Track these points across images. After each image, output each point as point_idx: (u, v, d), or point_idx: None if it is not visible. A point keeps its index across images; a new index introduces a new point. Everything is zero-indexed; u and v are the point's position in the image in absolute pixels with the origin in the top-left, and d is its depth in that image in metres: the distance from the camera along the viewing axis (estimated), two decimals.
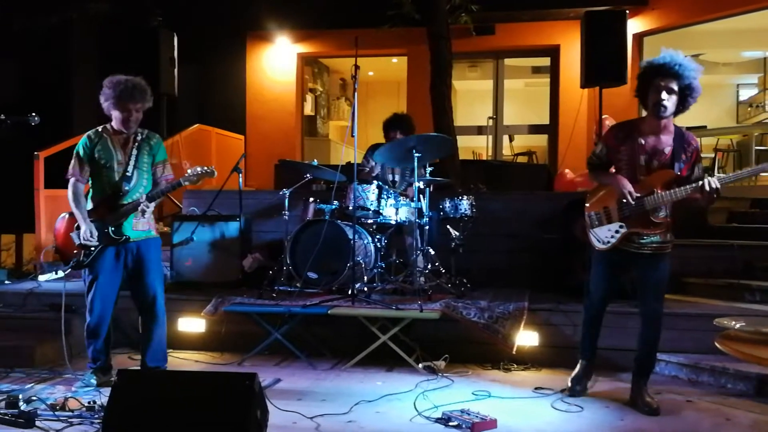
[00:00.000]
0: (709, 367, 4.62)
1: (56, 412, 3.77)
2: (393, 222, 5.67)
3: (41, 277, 6.51)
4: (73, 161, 4.40)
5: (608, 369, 4.79)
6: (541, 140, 12.19)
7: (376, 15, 9.23)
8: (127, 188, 4.32)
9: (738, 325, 3.42)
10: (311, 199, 6.08)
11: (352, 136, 5.14)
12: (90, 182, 4.42)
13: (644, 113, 4.04)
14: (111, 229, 4.30)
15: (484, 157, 12.18)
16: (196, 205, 6.88)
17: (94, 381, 4.37)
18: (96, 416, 3.69)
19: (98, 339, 4.43)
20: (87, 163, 4.37)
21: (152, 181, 4.45)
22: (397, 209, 5.62)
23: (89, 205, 4.38)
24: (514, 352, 4.85)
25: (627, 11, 7.97)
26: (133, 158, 4.35)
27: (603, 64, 7.47)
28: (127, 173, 4.33)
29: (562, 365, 4.89)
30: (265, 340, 5.13)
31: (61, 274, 6.56)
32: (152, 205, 4.32)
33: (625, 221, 3.94)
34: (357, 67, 5.22)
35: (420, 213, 5.56)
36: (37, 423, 3.64)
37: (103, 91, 4.33)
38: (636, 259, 4.00)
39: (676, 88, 3.77)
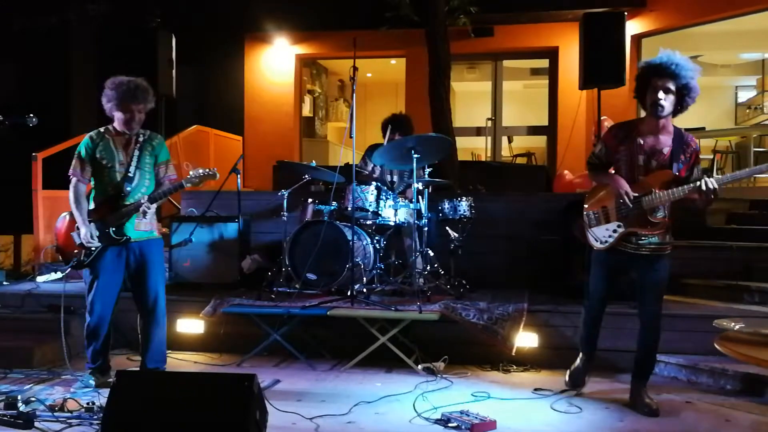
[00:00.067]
0: (709, 368, 4.62)
1: (55, 413, 3.76)
2: (392, 223, 5.66)
3: (39, 278, 6.51)
4: (74, 162, 4.40)
5: (607, 370, 4.80)
6: (540, 141, 12.20)
7: (375, 16, 9.24)
8: (128, 189, 4.31)
9: (737, 327, 3.42)
10: (310, 200, 6.08)
11: (351, 137, 5.13)
12: (92, 183, 4.42)
13: (643, 114, 4.04)
14: (112, 229, 4.30)
15: (483, 159, 12.19)
16: (194, 206, 6.88)
17: (92, 382, 4.37)
18: (95, 417, 3.69)
19: (98, 339, 4.42)
20: (88, 164, 4.37)
21: (155, 182, 4.45)
22: (396, 210, 5.62)
23: (91, 205, 4.38)
24: (513, 353, 4.85)
25: (625, 13, 7.98)
26: (135, 159, 4.35)
27: (601, 66, 7.47)
28: (129, 174, 4.32)
29: (562, 366, 4.87)
30: (264, 341, 5.12)
31: (59, 274, 6.56)
32: (153, 206, 4.32)
33: (623, 221, 3.95)
34: (355, 69, 5.22)
35: (419, 214, 5.56)
36: (36, 424, 3.63)
37: (105, 92, 4.33)
38: (635, 260, 4.00)
39: (673, 87, 3.78)
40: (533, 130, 12.11)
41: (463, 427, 3.65)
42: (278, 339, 5.08)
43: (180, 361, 5.14)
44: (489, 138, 11.72)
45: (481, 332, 4.87)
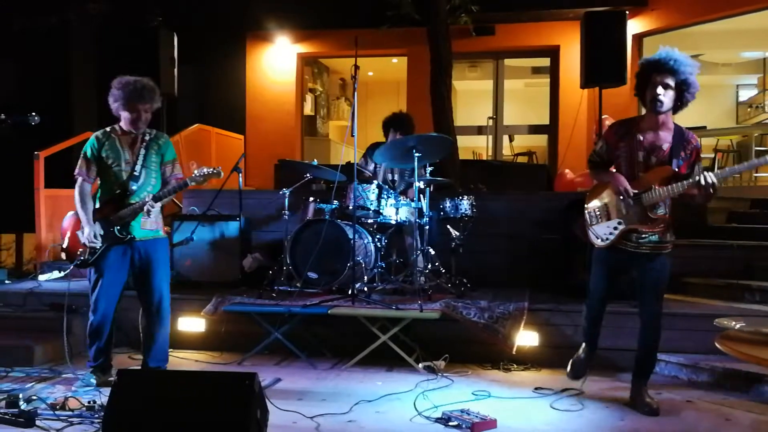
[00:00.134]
0: (709, 367, 4.62)
1: (56, 412, 3.77)
2: (393, 222, 5.67)
3: (41, 277, 6.52)
4: (80, 161, 4.42)
5: (608, 369, 4.80)
6: (541, 140, 12.19)
7: (376, 15, 9.23)
8: (134, 187, 4.32)
9: (738, 326, 3.42)
10: (311, 199, 6.08)
11: (352, 135, 5.14)
12: (99, 182, 4.44)
13: (644, 112, 4.05)
14: (117, 228, 4.31)
15: (484, 157, 12.18)
16: (195, 205, 6.89)
17: (93, 380, 4.38)
18: (96, 416, 3.70)
19: (101, 338, 4.43)
20: (94, 164, 4.39)
21: (162, 181, 4.46)
22: (397, 209, 5.62)
23: (97, 204, 4.40)
24: (514, 352, 4.85)
25: (627, 12, 7.97)
26: (141, 158, 4.36)
27: (603, 65, 7.46)
28: (135, 172, 4.33)
29: (562, 365, 4.86)
30: (265, 339, 5.13)
31: (61, 273, 6.57)
32: (158, 204, 4.32)
33: (623, 218, 3.95)
34: (357, 68, 5.22)
35: (420, 213, 5.56)
36: (38, 422, 3.64)
37: (111, 92, 4.34)
38: (635, 258, 4.00)
39: (672, 83, 3.79)
40: (534, 129, 12.10)
41: (463, 425, 3.66)
42: (279, 337, 5.08)
43: (181, 360, 5.15)
44: (490, 137, 11.72)
45: (482, 331, 4.87)
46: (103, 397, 3.84)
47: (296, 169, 6.28)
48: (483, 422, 3.66)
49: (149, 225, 4.40)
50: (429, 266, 5.62)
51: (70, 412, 3.78)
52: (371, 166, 6.22)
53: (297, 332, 5.20)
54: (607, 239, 4.01)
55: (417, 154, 5.24)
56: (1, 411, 3.70)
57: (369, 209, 5.51)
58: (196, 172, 4.31)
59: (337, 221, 5.60)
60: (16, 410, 3.71)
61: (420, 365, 4.85)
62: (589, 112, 10.07)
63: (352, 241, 5.25)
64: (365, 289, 5.42)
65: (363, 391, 4.39)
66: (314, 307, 5.03)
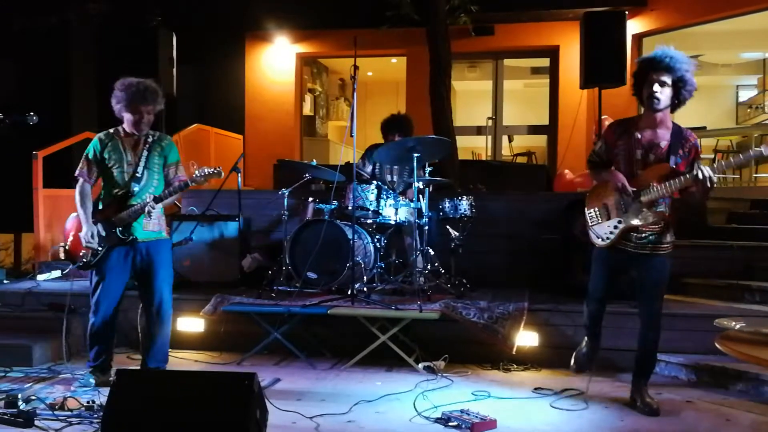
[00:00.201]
0: (709, 367, 4.62)
1: (55, 412, 3.77)
2: (392, 222, 5.66)
3: (40, 277, 6.51)
4: (81, 162, 4.43)
5: (608, 369, 4.80)
6: (540, 141, 12.20)
7: (375, 15, 9.23)
8: (136, 189, 4.32)
9: (738, 326, 3.41)
10: (310, 199, 6.08)
11: (351, 136, 5.13)
12: (102, 183, 4.44)
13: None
14: (119, 229, 4.30)
15: (484, 158, 12.19)
16: (195, 205, 6.88)
17: (92, 380, 4.37)
18: (95, 416, 3.69)
19: (102, 340, 4.42)
20: (95, 165, 4.40)
21: (165, 183, 4.45)
22: (396, 209, 5.62)
23: (100, 206, 4.39)
24: (513, 353, 4.84)
25: (626, 12, 7.97)
26: (143, 159, 4.36)
27: (602, 65, 7.46)
28: (137, 174, 4.33)
29: (562, 365, 4.88)
30: (265, 339, 5.12)
31: (59, 273, 6.56)
32: (159, 206, 4.31)
33: (623, 217, 3.95)
34: (356, 68, 5.22)
35: (419, 213, 5.56)
36: (36, 422, 3.64)
37: (114, 94, 4.34)
38: (635, 258, 4.00)
39: (668, 81, 3.80)
40: (534, 130, 12.11)
41: (463, 426, 3.65)
42: (278, 338, 5.08)
43: (180, 360, 5.14)
44: (489, 137, 11.72)
45: (482, 331, 4.87)
46: (102, 397, 3.83)
47: (295, 170, 6.28)
48: (483, 422, 3.66)
49: (151, 226, 4.39)
50: (428, 266, 5.62)
51: (69, 412, 3.77)
52: (368, 168, 6.21)
53: (296, 332, 5.20)
54: (607, 239, 4.01)
55: (416, 155, 5.24)
56: (0, 411, 3.70)
57: (368, 209, 5.50)
58: (197, 172, 4.30)
59: (336, 221, 5.60)
60: (15, 410, 3.70)
61: (419, 365, 4.84)
62: (589, 113, 10.07)
63: (351, 242, 5.25)
64: (365, 289, 5.41)
65: (362, 391, 4.38)
66: (314, 307, 5.03)
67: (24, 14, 9.52)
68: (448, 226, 5.85)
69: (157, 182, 4.41)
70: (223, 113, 11.33)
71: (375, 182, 5.62)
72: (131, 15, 9.45)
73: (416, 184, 5.36)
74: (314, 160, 6.23)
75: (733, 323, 3.46)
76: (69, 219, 4.58)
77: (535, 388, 4.44)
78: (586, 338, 4.37)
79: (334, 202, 5.74)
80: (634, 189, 3.89)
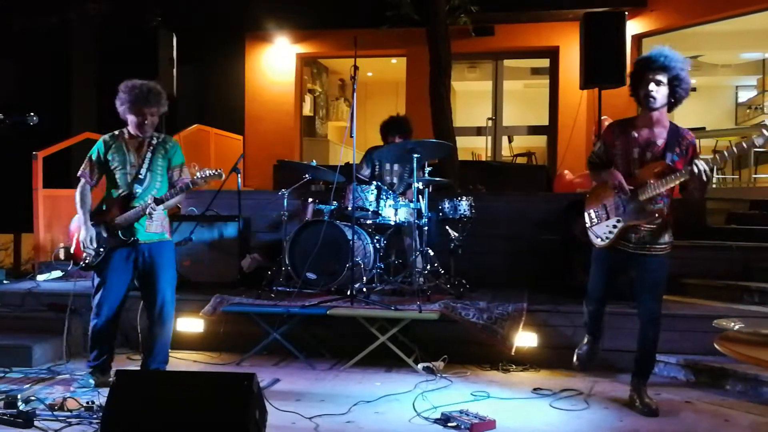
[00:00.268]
0: (708, 368, 4.62)
1: (55, 412, 3.76)
2: (392, 223, 5.67)
3: (39, 277, 6.51)
4: (84, 163, 4.45)
5: (607, 370, 4.80)
6: (540, 141, 12.20)
7: (375, 15, 9.24)
8: (138, 190, 4.32)
9: (737, 327, 3.42)
10: (310, 200, 6.08)
11: (351, 136, 5.14)
12: (106, 185, 4.45)
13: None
14: (121, 230, 4.31)
15: (484, 158, 12.19)
16: (194, 205, 6.88)
17: (92, 381, 4.37)
18: (95, 416, 3.69)
19: (103, 340, 4.42)
20: (97, 166, 4.41)
21: (169, 185, 4.45)
22: (396, 210, 5.62)
23: (104, 207, 4.40)
24: (512, 353, 4.84)
25: (626, 12, 7.98)
26: (147, 161, 4.36)
27: (602, 66, 7.46)
28: (140, 176, 4.34)
29: (561, 366, 4.90)
30: (264, 340, 5.12)
31: (59, 273, 6.57)
32: (159, 207, 4.30)
33: (621, 216, 3.96)
34: (356, 68, 5.22)
35: (419, 214, 5.56)
36: (36, 423, 3.63)
37: (118, 96, 4.35)
38: (634, 259, 4.01)
39: (664, 80, 3.83)
40: (533, 130, 12.12)
41: (462, 426, 3.65)
42: (278, 338, 5.08)
43: (179, 360, 5.14)
44: (489, 137, 11.73)
45: (481, 332, 4.87)
46: (101, 397, 3.82)
47: (295, 170, 6.28)
48: (482, 423, 3.66)
49: (154, 228, 4.39)
50: (428, 267, 5.62)
51: (68, 413, 3.77)
52: (367, 172, 6.21)
53: (296, 333, 5.20)
54: (606, 238, 4.02)
55: (416, 156, 5.25)
56: (0, 411, 3.70)
57: (368, 210, 5.50)
58: (198, 173, 4.29)
59: (335, 222, 5.60)
60: (15, 411, 3.70)
61: (419, 366, 4.84)
62: (589, 113, 10.07)
63: (351, 242, 5.25)
64: (364, 289, 5.41)
65: (362, 391, 4.38)
66: (313, 307, 5.03)
67: (24, 14, 9.53)
68: (447, 227, 5.85)
69: (160, 184, 4.41)
70: (223, 114, 11.33)
71: (375, 183, 5.62)
72: (131, 15, 9.46)
73: (416, 185, 5.37)
74: (314, 161, 6.24)
75: (732, 324, 3.47)
76: (74, 220, 4.59)
77: (534, 389, 4.45)
78: (586, 336, 4.38)
79: (334, 202, 5.75)
80: (632, 188, 3.91)
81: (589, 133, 10.09)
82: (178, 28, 8.64)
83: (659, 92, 3.84)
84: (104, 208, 4.39)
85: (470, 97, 13.66)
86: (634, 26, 10.07)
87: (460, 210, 5.75)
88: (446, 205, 5.80)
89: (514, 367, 5.00)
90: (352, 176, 5.45)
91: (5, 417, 3.62)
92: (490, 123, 11.71)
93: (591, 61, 7.55)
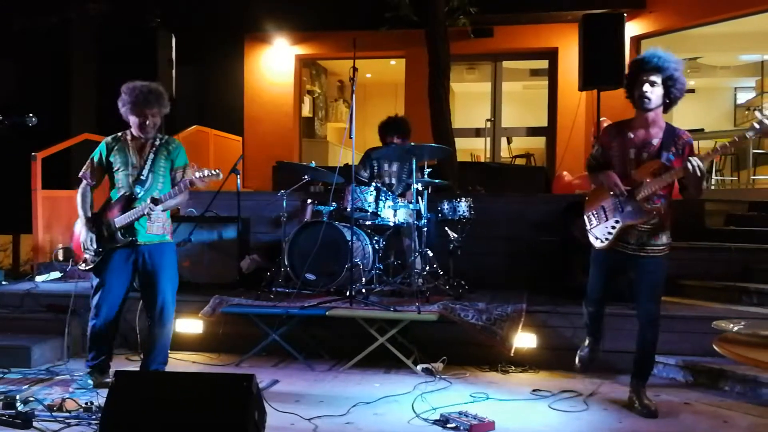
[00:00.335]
0: (707, 369, 4.63)
1: (54, 413, 3.76)
2: (391, 224, 5.67)
3: (38, 278, 6.51)
4: (86, 164, 4.47)
5: (606, 371, 4.80)
6: (539, 142, 12.20)
7: (374, 17, 9.25)
8: (140, 191, 4.32)
9: (736, 328, 3.42)
10: (309, 201, 6.08)
11: (350, 137, 5.14)
12: (109, 186, 4.46)
13: None
14: (120, 231, 4.30)
15: (483, 159, 12.19)
16: (193, 206, 6.87)
17: (90, 382, 4.36)
18: (93, 417, 3.69)
19: (102, 341, 4.42)
20: (99, 168, 4.43)
21: (171, 186, 4.45)
22: (395, 211, 5.62)
23: (105, 208, 4.40)
24: (512, 354, 4.85)
25: (625, 14, 7.96)
26: (149, 162, 4.36)
27: (601, 67, 7.46)
28: (142, 177, 4.34)
29: (560, 367, 4.90)
30: (263, 341, 5.12)
31: (58, 274, 6.56)
32: (158, 208, 4.28)
33: (619, 216, 3.98)
34: (355, 69, 5.23)
35: (418, 215, 5.56)
36: (35, 424, 3.63)
37: (121, 97, 4.37)
38: (632, 260, 4.02)
39: (658, 80, 3.87)
40: (532, 131, 12.12)
41: (461, 427, 3.65)
42: (277, 339, 5.08)
43: (179, 361, 5.14)
44: (488, 139, 11.73)
45: (480, 333, 4.87)
46: (100, 398, 3.83)
47: (294, 171, 6.29)
48: (481, 424, 3.66)
49: (155, 229, 4.39)
50: (427, 268, 5.63)
51: (67, 414, 3.77)
52: (366, 174, 6.21)
53: (295, 334, 5.20)
54: (606, 240, 4.03)
55: (415, 158, 5.26)
56: None
57: (367, 211, 5.51)
58: (197, 173, 4.29)
59: (335, 223, 5.60)
60: (13, 411, 3.69)
61: (418, 367, 4.85)
62: (588, 115, 10.08)
63: (349, 243, 5.25)
64: (363, 290, 5.42)
65: (361, 393, 4.38)
66: (312, 308, 5.03)
67: (24, 14, 9.52)
68: (446, 228, 5.85)
69: (162, 185, 4.40)
70: (222, 115, 11.33)
71: (374, 184, 5.62)
72: (131, 15, 9.45)
73: (415, 186, 5.37)
74: (313, 162, 6.23)
75: (731, 325, 3.47)
76: (77, 222, 4.59)
77: (534, 390, 4.45)
78: (587, 338, 4.39)
79: (333, 203, 5.75)
80: (628, 188, 3.92)
81: (588, 134, 10.10)
82: (177, 29, 8.64)
83: (654, 93, 3.87)
84: (106, 209, 4.39)
85: (469, 98, 13.67)
86: (632, 28, 10.08)
87: (459, 211, 5.76)
88: (445, 206, 5.80)
89: (513, 368, 5.00)
90: (351, 177, 5.45)
91: (4, 418, 3.62)
92: (489, 124, 11.71)
93: (590, 63, 7.55)
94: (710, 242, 6.46)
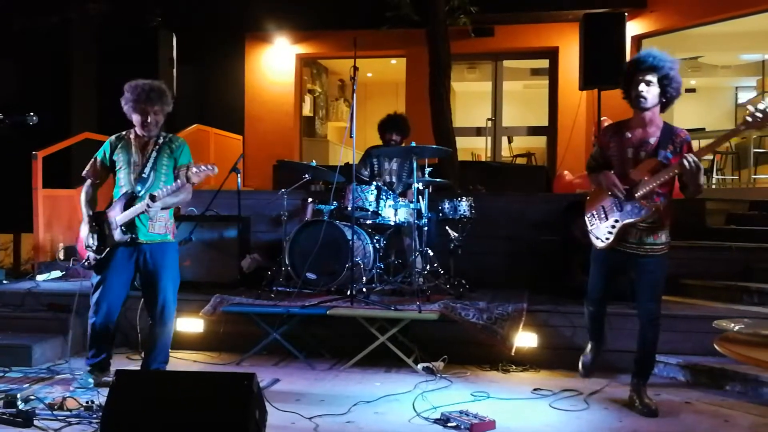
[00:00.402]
0: (708, 368, 4.62)
1: (54, 412, 3.76)
2: (392, 223, 5.67)
3: (39, 277, 6.51)
4: (90, 163, 4.48)
5: (607, 370, 4.79)
6: (539, 142, 12.20)
7: (375, 16, 9.25)
8: (141, 189, 4.32)
9: (737, 327, 3.42)
10: (310, 200, 6.08)
11: (351, 136, 5.14)
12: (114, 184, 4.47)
13: None
14: (121, 229, 4.31)
15: (483, 159, 12.19)
16: (194, 205, 6.86)
17: (91, 380, 4.36)
18: (94, 416, 3.69)
19: (102, 339, 4.42)
20: (102, 167, 4.44)
21: None
22: (396, 210, 5.62)
23: (108, 206, 4.40)
24: (512, 353, 4.84)
25: (626, 13, 7.98)
26: (151, 160, 4.36)
27: (602, 67, 7.46)
28: (143, 175, 4.34)
29: (561, 366, 4.90)
30: (264, 340, 5.12)
31: (59, 273, 6.56)
32: (156, 205, 4.28)
33: (619, 215, 3.98)
34: (356, 69, 5.23)
35: (419, 214, 5.56)
36: (36, 422, 3.64)
37: (123, 96, 4.38)
38: (632, 259, 4.02)
39: (654, 80, 3.89)
40: (533, 131, 12.12)
41: (462, 426, 3.66)
42: (278, 338, 5.08)
43: (179, 360, 5.14)
44: (489, 138, 11.73)
45: (481, 332, 4.87)
46: (101, 397, 3.83)
47: (295, 170, 6.28)
48: (482, 423, 3.66)
49: (157, 228, 4.38)
50: (428, 267, 5.62)
51: (68, 412, 3.77)
52: (366, 172, 6.21)
53: (295, 333, 5.20)
54: (606, 239, 4.03)
55: (416, 158, 5.26)
56: (0, 411, 3.69)
57: (368, 210, 5.51)
58: (194, 168, 4.27)
59: (335, 222, 5.60)
60: (14, 410, 3.69)
61: (419, 366, 4.85)
62: (588, 114, 10.08)
63: (350, 242, 5.25)
64: (364, 289, 5.42)
65: (361, 392, 4.38)
66: (313, 307, 5.03)
67: (24, 14, 9.52)
68: (447, 227, 5.85)
69: (164, 183, 4.38)
70: (222, 114, 11.33)
71: (374, 183, 5.62)
72: (131, 15, 9.46)
73: (416, 185, 5.37)
74: (314, 161, 6.23)
75: (732, 325, 3.47)
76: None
77: (534, 389, 4.45)
78: (590, 343, 4.38)
79: (334, 202, 5.75)
80: (627, 187, 3.93)
81: (588, 133, 10.10)
82: (178, 29, 8.65)
83: (650, 92, 3.89)
84: (109, 207, 4.40)
85: (470, 97, 13.67)
86: (633, 27, 10.07)
87: (459, 210, 5.76)
88: (446, 205, 5.80)
89: (513, 367, 5.00)
90: (352, 176, 5.45)
91: (5, 416, 3.62)
92: (489, 123, 11.71)
93: (590, 62, 7.55)
94: (711, 241, 6.46)
